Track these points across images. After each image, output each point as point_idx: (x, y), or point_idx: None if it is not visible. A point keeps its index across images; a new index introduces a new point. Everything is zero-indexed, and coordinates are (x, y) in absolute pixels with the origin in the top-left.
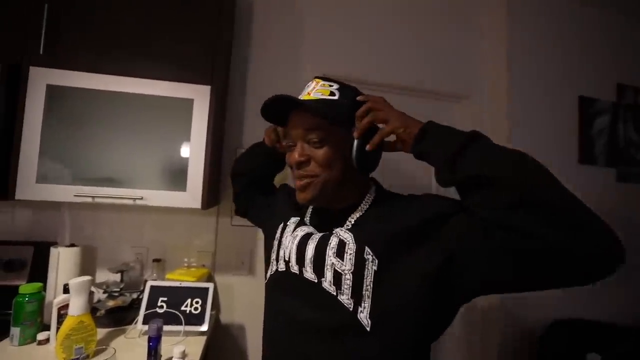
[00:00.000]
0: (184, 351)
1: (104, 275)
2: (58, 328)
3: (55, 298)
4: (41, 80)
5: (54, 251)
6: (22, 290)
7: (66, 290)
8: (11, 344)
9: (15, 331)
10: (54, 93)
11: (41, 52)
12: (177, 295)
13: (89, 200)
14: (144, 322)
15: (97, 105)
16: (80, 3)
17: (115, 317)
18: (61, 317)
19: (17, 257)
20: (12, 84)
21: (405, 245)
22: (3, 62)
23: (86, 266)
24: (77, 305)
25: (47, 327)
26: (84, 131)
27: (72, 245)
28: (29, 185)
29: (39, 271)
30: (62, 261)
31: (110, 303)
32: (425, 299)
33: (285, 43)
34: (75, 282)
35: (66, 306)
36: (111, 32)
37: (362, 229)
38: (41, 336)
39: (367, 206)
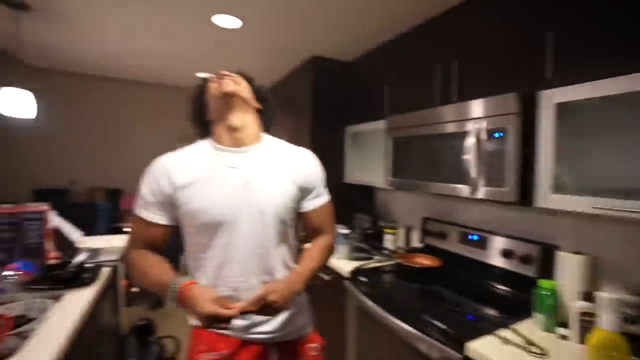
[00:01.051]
0: None
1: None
2: (580, 332)
3: (566, 298)
4: (550, 100)
5: (561, 255)
6: (540, 283)
7: (585, 297)
8: (536, 325)
9: (539, 317)
10: (562, 109)
11: (550, 77)
12: None
13: (608, 213)
14: None
15: (604, 114)
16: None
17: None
18: (582, 323)
19: (528, 253)
20: (526, 109)
21: None
22: (518, 91)
23: (591, 277)
24: (606, 320)
25: (563, 324)
26: (596, 142)
27: (578, 252)
28: (547, 196)
29: (545, 268)
30: (569, 266)
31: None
32: None
33: None
34: (604, 296)
35: (587, 313)
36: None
37: None
38: (561, 331)
39: None
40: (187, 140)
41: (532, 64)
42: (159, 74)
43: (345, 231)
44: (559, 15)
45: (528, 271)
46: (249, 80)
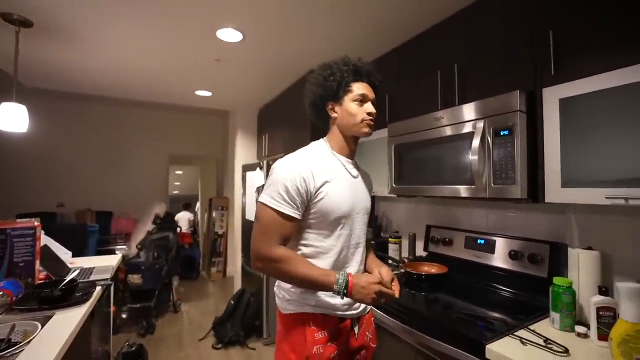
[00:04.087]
0: None
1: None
2: (598, 327)
3: (582, 295)
4: (553, 97)
5: (572, 252)
6: (555, 281)
7: (602, 291)
8: (552, 325)
9: (555, 316)
10: (566, 104)
11: (552, 73)
12: None
13: (621, 202)
14: None
15: (608, 105)
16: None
17: None
18: (601, 318)
19: (537, 253)
20: (530, 105)
21: None
22: (521, 89)
23: (605, 272)
24: (631, 312)
25: (580, 322)
26: (599, 133)
27: (590, 248)
28: (557, 190)
29: (555, 267)
30: (582, 262)
31: None
32: None
33: None
34: (626, 286)
35: (606, 308)
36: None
37: None
38: (580, 329)
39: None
40: (177, 161)
41: (534, 63)
42: (154, 92)
43: None
44: (558, 13)
45: (538, 271)
46: None
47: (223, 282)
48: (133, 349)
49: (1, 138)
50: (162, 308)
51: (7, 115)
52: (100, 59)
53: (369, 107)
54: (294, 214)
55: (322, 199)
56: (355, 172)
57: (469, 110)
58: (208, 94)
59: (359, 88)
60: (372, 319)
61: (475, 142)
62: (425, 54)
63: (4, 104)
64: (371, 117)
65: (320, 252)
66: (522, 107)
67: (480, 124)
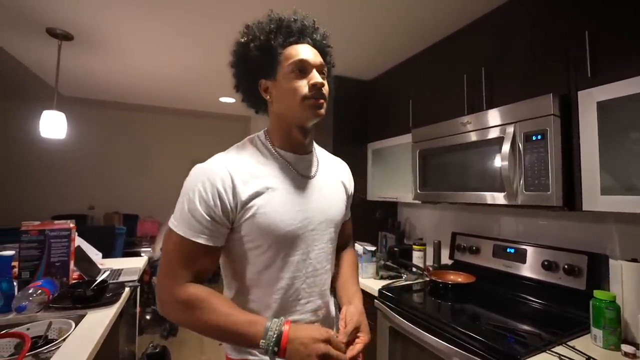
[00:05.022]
0: None
1: None
2: None
3: (628, 311)
4: (590, 100)
5: (614, 263)
6: (597, 295)
7: None
8: (594, 342)
9: (598, 332)
10: (604, 107)
11: (589, 76)
12: None
13: None
14: None
15: None
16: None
17: None
18: None
19: (574, 264)
20: (564, 109)
21: None
22: (554, 92)
23: None
24: None
25: (626, 340)
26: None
27: (634, 260)
28: (595, 198)
29: (595, 280)
30: (627, 275)
31: None
32: None
33: None
34: None
35: None
36: None
37: None
38: (627, 348)
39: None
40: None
41: (567, 65)
42: (180, 99)
43: (371, 248)
44: (594, 12)
45: (575, 284)
46: None
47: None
48: (157, 350)
49: (39, 144)
50: None
51: (48, 122)
52: (130, 68)
53: (314, 76)
54: (206, 240)
55: (252, 216)
56: (311, 170)
57: (497, 115)
58: (232, 100)
59: (296, 52)
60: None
61: (506, 147)
62: (451, 58)
63: (45, 112)
64: (317, 91)
65: (259, 288)
66: (555, 111)
67: (511, 129)
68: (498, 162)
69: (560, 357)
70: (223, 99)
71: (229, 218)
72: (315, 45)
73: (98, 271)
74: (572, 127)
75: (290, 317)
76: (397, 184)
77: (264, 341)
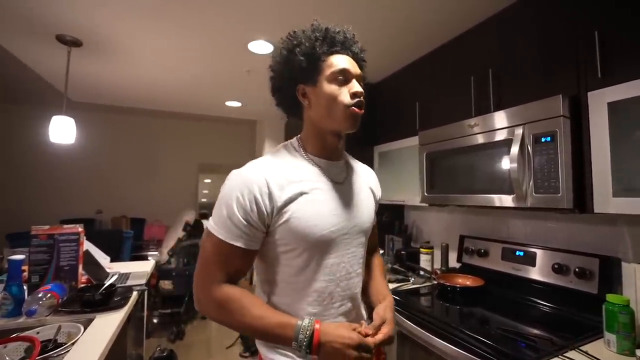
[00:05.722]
0: None
1: None
2: None
3: (638, 315)
4: (600, 101)
5: (627, 267)
6: (610, 299)
7: None
8: (607, 347)
9: (611, 337)
10: (615, 108)
11: (599, 76)
12: None
13: None
14: None
15: None
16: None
17: None
18: None
19: (586, 267)
20: (574, 110)
21: None
22: (564, 93)
23: None
24: None
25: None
26: None
27: None
28: (607, 200)
29: (607, 283)
30: (639, 278)
31: None
32: None
33: None
34: None
35: None
36: None
37: None
38: None
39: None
40: (206, 169)
41: (577, 65)
42: (187, 103)
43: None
44: (603, 11)
45: (587, 287)
46: None
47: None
48: (165, 354)
49: (50, 149)
50: (192, 314)
51: (57, 128)
52: (138, 73)
53: (355, 85)
54: (243, 243)
55: (287, 220)
56: (342, 176)
57: (505, 117)
58: (238, 104)
59: (338, 62)
60: (383, 355)
61: (514, 149)
62: (457, 59)
63: (55, 117)
64: (358, 100)
65: (294, 290)
66: (565, 112)
67: (519, 131)
68: (507, 164)
69: None
70: (229, 103)
71: (265, 223)
72: (355, 57)
73: (106, 275)
74: (582, 129)
75: (322, 320)
76: (404, 186)
77: (295, 343)
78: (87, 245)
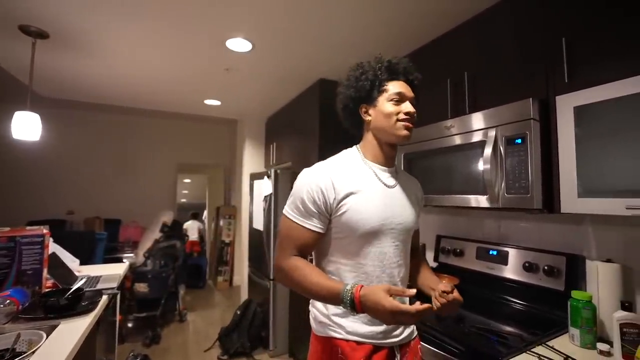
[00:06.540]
0: None
1: None
2: (622, 345)
3: (603, 310)
4: (567, 105)
5: (591, 264)
6: (575, 295)
7: (625, 307)
8: (572, 342)
9: (575, 332)
10: (581, 112)
11: (566, 81)
12: None
13: None
14: None
15: (626, 113)
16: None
17: None
18: (625, 335)
19: (553, 265)
20: (543, 114)
21: None
22: (534, 97)
23: (627, 286)
24: None
25: (602, 339)
26: (618, 141)
27: (609, 260)
28: (573, 200)
29: (573, 281)
30: (603, 276)
31: None
32: None
33: None
34: None
35: (630, 324)
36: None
37: None
38: (602, 346)
39: None
40: (185, 169)
41: (546, 71)
42: (164, 101)
43: None
44: (570, 20)
45: (554, 284)
46: None
47: (229, 292)
48: (138, 359)
49: (14, 146)
50: (168, 317)
51: (21, 124)
52: (112, 69)
53: (407, 106)
54: (311, 226)
55: (344, 212)
56: (392, 181)
57: (480, 119)
58: (217, 103)
59: (395, 87)
60: (419, 346)
61: (487, 150)
62: (435, 62)
63: (17, 113)
64: (409, 117)
65: (345, 270)
66: (535, 115)
67: (492, 133)
68: (481, 165)
69: (539, 357)
70: (208, 102)
71: (328, 211)
72: (409, 82)
73: (75, 279)
74: (550, 131)
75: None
76: None
77: (343, 304)
78: (54, 248)
